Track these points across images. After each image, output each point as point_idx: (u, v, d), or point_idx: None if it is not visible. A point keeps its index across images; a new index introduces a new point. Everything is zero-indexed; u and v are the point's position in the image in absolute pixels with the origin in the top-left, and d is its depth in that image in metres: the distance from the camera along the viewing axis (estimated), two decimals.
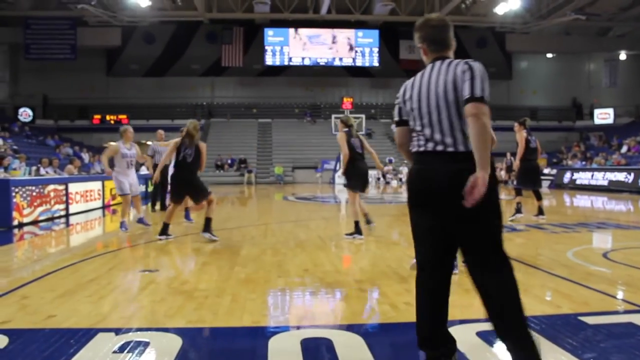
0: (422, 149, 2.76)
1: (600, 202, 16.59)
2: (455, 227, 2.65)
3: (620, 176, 21.72)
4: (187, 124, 7.98)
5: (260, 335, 3.45)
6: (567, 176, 25.08)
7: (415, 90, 2.83)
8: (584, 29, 34.55)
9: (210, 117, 38.68)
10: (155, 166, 12.10)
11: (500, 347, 3.13)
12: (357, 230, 7.84)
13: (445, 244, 2.73)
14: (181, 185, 7.89)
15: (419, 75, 2.87)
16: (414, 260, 2.93)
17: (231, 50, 37.18)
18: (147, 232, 8.97)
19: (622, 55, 36.43)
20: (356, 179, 7.99)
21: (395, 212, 12.83)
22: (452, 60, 2.78)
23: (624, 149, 27.65)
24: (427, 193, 2.69)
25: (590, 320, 3.67)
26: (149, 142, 13.85)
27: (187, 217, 10.62)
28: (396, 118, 3.01)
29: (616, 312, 3.88)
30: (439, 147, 2.69)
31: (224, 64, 37.48)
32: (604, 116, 36.18)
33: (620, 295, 4.38)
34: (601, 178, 22.45)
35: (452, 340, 2.78)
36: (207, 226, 7.79)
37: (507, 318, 2.58)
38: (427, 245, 2.77)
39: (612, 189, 21.47)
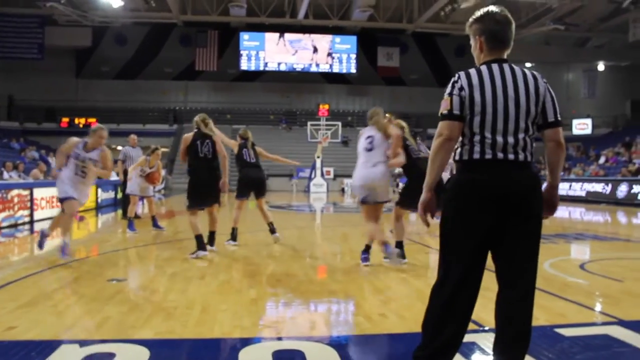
0: (488, 156, 2.60)
1: (577, 213, 16.83)
2: (513, 234, 2.60)
3: (598, 187, 22.09)
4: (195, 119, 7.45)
5: (230, 347, 3.35)
6: (544, 187, 25.27)
7: (488, 91, 2.60)
8: (563, 39, 35.24)
9: (183, 123, 38.29)
10: (125, 172, 11.88)
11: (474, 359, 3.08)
12: (232, 237, 7.99)
13: (485, 254, 2.67)
14: (200, 187, 7.06)
15: (486, 74, 2.65)
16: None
17: (205, 54, 36.98)
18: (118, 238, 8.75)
19: (601, 66, 37.24)
20: (242, 186, 8.16)
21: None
22: (522, 69, 2.67)
23: (602, 159, 28.08)
24: (497, 199, 2.57)
25: (567, 332, 3.65)
26: (119, 147, 13.61)
27: (155, 224, 10.35)
28: (457, 111, 2.63)
29: (592, 324, 3.88)
30: (511, 156, 2.59)
31: (198, 67, 37.27)
32: (582, 127, 36.63)
33: (596, 307, 4.39)
34: (579, 189, 22.80)
35: None
36: (212, 239, 7.31)
37: (519, 329, 2.60)
38: (466, 252, 2.63)
39: (590, 199, 21.83)
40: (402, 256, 6.44)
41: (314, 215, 16.15)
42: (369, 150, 6.24)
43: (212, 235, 7.28)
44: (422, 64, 40.26)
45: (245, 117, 38.63)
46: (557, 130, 2.66)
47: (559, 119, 2.67)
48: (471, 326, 3.62)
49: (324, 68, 39.00)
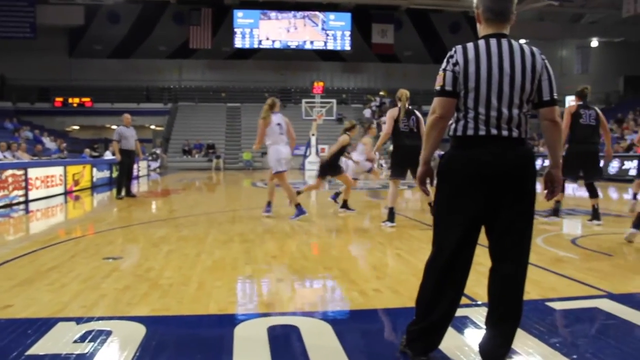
0: (482, 132, 2.59)
1: (570, 188, 16.84)
2: (506, 211, 2.61)
3: None
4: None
5: (226, 323, 3.38)
6: (538, 163, 25.42)
7: (484, 66, 2.57)
8: (557, 15, 35.02)
9: (177, 101, 38.10)
10: (121, 151, 11.86)
11: (467, 333, 3.13)
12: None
13: (478, 230, 2.69)
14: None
15: (483, 49, 2.61)
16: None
17: (199, 32, 36.64)
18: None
19: (594, 42, 37.18)
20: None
21: (365, 198, 12.81)
22: (520, 44, 2.63)
23: None
24: (491, 176, 2.57)
25: (557, 305, 3.71)
26: (114, 127, 13.56)
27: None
28: (449, 88, 2.62)
29: (583, 298, 3.93)
30: (505, 133, 2.58)
31: (192, 46, 36.94)
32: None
33: (586, 280, 4.44)
34: None
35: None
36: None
37: (510, 304, 2.64)
38: (460, 228, 2.64)
39: (582, 175, 21.79)
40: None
41: (308, 193, 16.15)
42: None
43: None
44: (417, 41, 39.97)
45: (240, 95, 38.44)
46: (552, 109, 2.66)
47: (555, 97, 2.65)
48: (464, 300, 3.68)
49: (319, 45, 38.71)
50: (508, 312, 2.64)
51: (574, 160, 7.69)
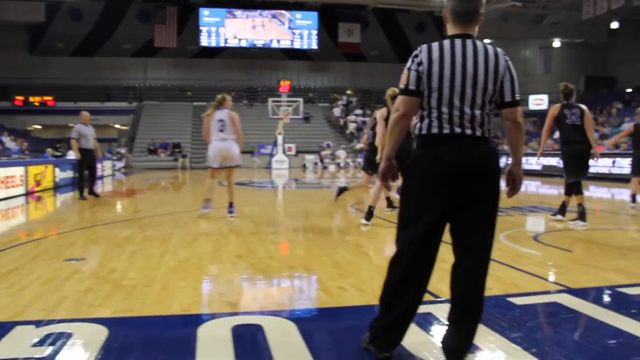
0: (446, 131, 2.63)
1: (533, 186, 17.22)
2: (470, 209, 2.64)
3: (553, 161, 22.47)
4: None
5: (189, 323, 3.35)
6: (502, 161, 25.70)
7: (447, 66, 2.61)
8: (520, 15, 35.68)
9: (142, 100, 37.59)
10: (81, 150, 11.62)
11: (430, 330, 3.16)
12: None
13: (442, 227, 2.70)
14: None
15: (447, 49, 2.64)
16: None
17: (164, 30, 36.26)
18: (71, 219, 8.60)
19: (556, 43, 38.01)
20: None
21: (332, 197, 12.84)
22: (485, 45, 2.67)
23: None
24: (455, 174, 2.60)
25: (519, 300, 3.78)
26: (72, 125, 13.29)
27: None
28: (413, 87, 2.67)
29: (543, 293, 4.01)
30: (468, 132, 2.62)
31: (157, 44, 36.53)
32: (538, 102, 37.13)
33: (547, 276, 4.55)
34: (535, 162, 23.22)
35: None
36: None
37: (472, 299, 2.68)
38: (424, 225, 2.66)
39: (545, 173, 22.28)
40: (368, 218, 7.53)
41: (275, 192, 16.13)
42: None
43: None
44: (383, 40, 40.31)
45: (206, 94, 37.99)
46: (514, 110, 2.69)
47: (517, 98, 2.69)
48: (427, 297, 3.72)
49: (285, 44, 38.68)
50: (470, 307, 2.68)
51: (573, 161, 7.64)
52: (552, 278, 4.56)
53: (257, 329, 3.21)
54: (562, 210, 8.01)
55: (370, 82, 40.62)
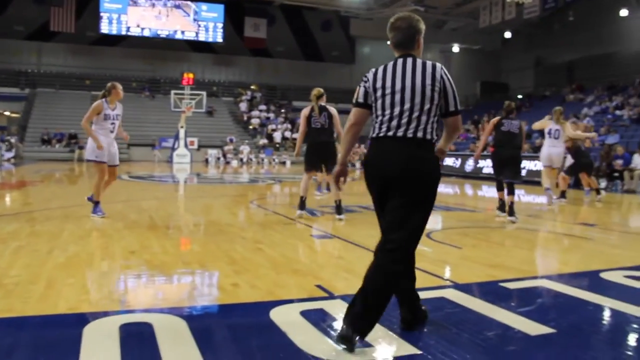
0: (382, 134, 3.04)
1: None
2: (390, 203, 3.02)
3: (449, 161, 23.57)
4: None
5: (75, 323, 3.25)
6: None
7: (389, 79, 3.08)
8: (422, 20, 36.85)
9: (36, 87, 35.49)
10: None
11: (323, 327, 3.26)
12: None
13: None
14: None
15: (390, 66, 3.12)
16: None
17: (61, 13, 34.33)
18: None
19: (455, 48, 39.86)
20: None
21: (233, 193, 12.79)
22: (424, 61, 3.12)
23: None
24: (386, 169, 3.00)
25: None
26: None
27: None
28: (361, 100, 3.19)
29: (431, 288, 4.19)
30: (400, 134, 3.00)
31: (52, 28, 34.49)
32: None
33: (436, 272, 4.79)
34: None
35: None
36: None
37: (378, 286, 2.94)
38: (380, 217, 3.17)
39: (442, 173, 23.14)
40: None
41: (176, 186, 15.82)
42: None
43: None
44: (289, 37, 40.42)
45: (105, 83, 36.20)
46: (457, 118, 3.17)
47: (459, 108, 3.17)
48: (320, 293, 3.84)
49: (190, 36, 37.91)
50: (372, 283, 2.92)
51: (497, 162, 8.71)
52: (440, 274, 4.81)
53: (146, 327, 3.17)
54: (502, 207, 8.65)
55: (276, 78, 40.70)
